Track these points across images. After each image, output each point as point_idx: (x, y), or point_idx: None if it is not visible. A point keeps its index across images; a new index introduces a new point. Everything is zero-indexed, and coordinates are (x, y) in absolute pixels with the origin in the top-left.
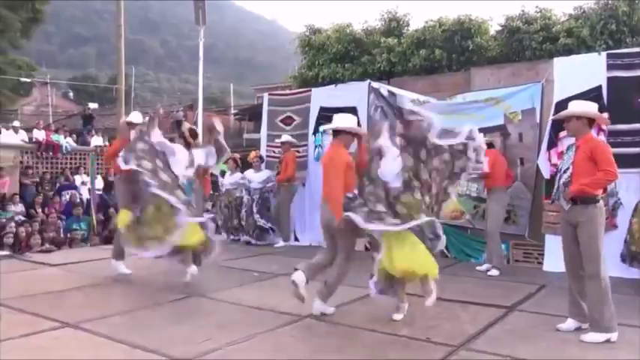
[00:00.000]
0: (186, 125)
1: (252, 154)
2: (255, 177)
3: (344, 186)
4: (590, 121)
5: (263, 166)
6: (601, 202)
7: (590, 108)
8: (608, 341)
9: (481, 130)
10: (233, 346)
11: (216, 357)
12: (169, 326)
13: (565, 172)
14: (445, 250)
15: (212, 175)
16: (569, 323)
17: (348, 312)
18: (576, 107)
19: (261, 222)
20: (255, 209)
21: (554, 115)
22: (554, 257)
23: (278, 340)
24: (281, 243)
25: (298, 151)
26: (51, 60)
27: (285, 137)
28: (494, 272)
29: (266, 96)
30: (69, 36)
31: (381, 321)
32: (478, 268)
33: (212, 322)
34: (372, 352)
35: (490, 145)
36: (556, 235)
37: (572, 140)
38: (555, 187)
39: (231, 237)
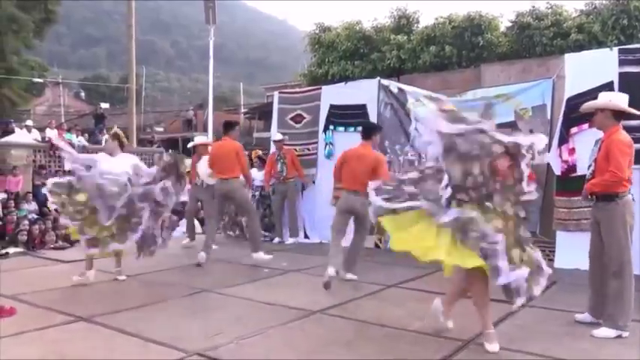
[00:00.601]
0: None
1: (254, 153)
2: (258, 175)
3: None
4: (617, 114)
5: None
6: (626, 198)
7: (615, 99)
8: (619, 337)
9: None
10: (244, 340)
11: (227, 351)
12: (181, 320)
13: (589, 167)
14: None
15: None
16: (586, 316)
17: (358, 307)
18: (599, 99)
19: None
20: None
21: (565, 110)
22: (565, 254)
23: (288, 335)
24: (289, 240)
25: (308, 149)
26: (62, 60)
27: (280, 135)
28: None
29: (276, 94)
30: (80, 37)
31: (391, 316)
32: None
33: (223, 316)
34: (381, 347)
35: None
36: (567, 231)
37: (583, 136)
38: None
39: (237, 233)
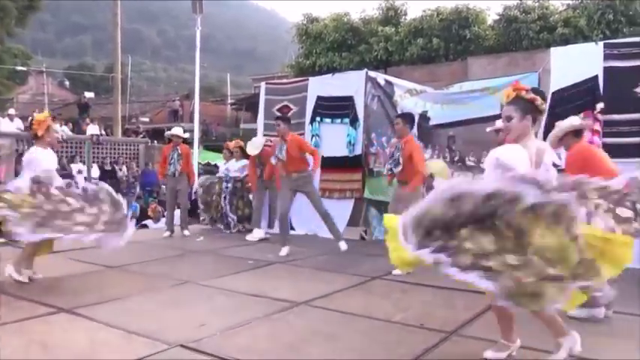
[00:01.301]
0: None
1: (233, 143)
2: (235, 166)
3: None
4: (576, 132)
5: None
6: None
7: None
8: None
9: (477, 120)
10: (228, 332)
11: (211, 342)
12: (165, 312)
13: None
14: None
15: (207, 165)
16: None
17: (343, 298)
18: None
19: (230, 216)
20: (227, 199)
21: (550, 104)
22: None
23: (273, 326)
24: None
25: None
26: (47, 49)
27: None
28: None
29: (263, 85)
30: (65, 24)
31: (376, 307)
32: None
33: (207, 308)
34: (366, 338)
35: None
36: None
37: None
38: None
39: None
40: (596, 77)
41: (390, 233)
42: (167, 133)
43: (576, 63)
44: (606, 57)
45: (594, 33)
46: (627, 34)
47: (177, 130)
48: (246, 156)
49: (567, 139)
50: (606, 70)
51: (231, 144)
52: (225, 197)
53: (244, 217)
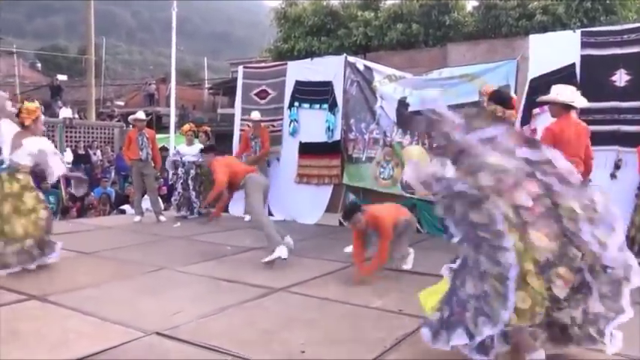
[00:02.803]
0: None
1: (186, 127)
2: (188, 150)
3: None
4: (565, 105)
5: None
6: None
7: (562, 92)
8: None
9: (456, 106)
10: (204, 319)
11: (187, 329)
12: (140, 299)
13: None
14: (418, 225)
15: (163, 148)
16: None
17: (320, 285)
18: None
19: (194, 201)
20: (190, 185)
21: (527, 91)
22: None
23: (250, 313)
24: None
25: (273, 125)
26: (17, 30)
27: (256, 115)
28: None
29: (240, 69)
30: (37, 5)
31: (354, 293)
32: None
33: (183, 295)
34: (343, 324)
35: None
36: None
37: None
38: None
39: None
40: (573, 65)
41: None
42: (130, 118)
43: (554, 50)
44: (583, 45)
45: (572, 21)
46: (604, 23)
47: (139, 115)
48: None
49: (556, 110)
50: (583, 58)
51: (185, 127)
52: (184, 182)
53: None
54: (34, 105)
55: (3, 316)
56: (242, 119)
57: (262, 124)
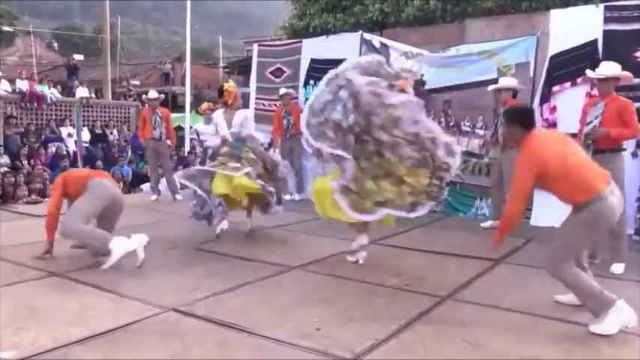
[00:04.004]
0: None
1: (204, 105)
2: (206, 129)
3: None
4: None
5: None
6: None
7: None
8: None
9: (473, 84)
10: (220, 296)
11: (204, 306)
12: (158, 276)
13: (589, 124)
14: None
15: (178, 128)
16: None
17: (336, 263)
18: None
19: None
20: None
21: (548, 68)
22: (541, 212)
23: (266, 290)
24: (296, 196)
25: (294, 103)
26: (34, 9)
27: (284, 90)
28: None
29: (255, 47)
30: None
31: (369, 272)
32: (482, 225)
33: (201, 272)
34: (359, 302)
35: (515, 95)
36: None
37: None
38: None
39: None
40: (595, 41)
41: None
42: (144, 97)
43: (576, 26)
44: (606, 20)
45: None
46: None
47: (151, 94)
48: None
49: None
50: (606, 33)
51: (204, 106)
52: (202, 162)
53: None
54: (232, 85)
55: (24, 293)
56: (257, 98)
57: (292, 100)
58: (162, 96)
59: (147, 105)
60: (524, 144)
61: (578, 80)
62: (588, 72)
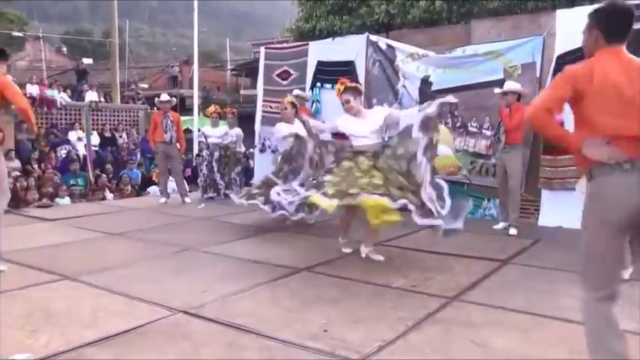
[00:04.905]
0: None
1: (211, 108)
2: (213, 132)
3: None
4: None
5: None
6: None
7: None
8: None
9: (480, 85)
10: (230, 298)
11: (213, 308)
12: (168, 278)
13: None
14: None
15: (187, 130)
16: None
17: (343, 265)
18: None
19: (220, 183)
20: (215, 167)
21: (554, 68)
22: (549, 212)
23: (275, 292)
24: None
25: (305, 107)
26: (42, 13)
27: (296, 91)
28: (514, 231)
29: (262, 50)
30: None
31: (376, 274)
32: (494, 227)
33: (210, 274)
34: (366, 302)
35: (519, 99)
36: (551, 190)
37: None
38: None
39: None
40: None
41: None
42: (157, 100)
43: (582, 26)
44: None
45: None
46: None
47: (163, 96)
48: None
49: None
50: None
51: (210, 109)
52: (209, 164)
53: (230, 182)
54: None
55: (37, 295)
56: (264, 100)
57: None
58: (175, 100)
59: (158, 108)
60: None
61: None
62: None
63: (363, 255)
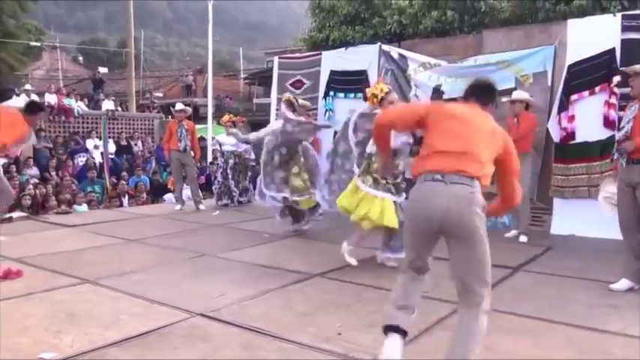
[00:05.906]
0: None
1: (225, 117)
2: (227, 140)
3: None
4: None
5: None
6: None
7: None
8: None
9: None
10: (245, 302)
11: (229, 312)
12: (185, 283)
13: (621, 129)
14: None
15: (201, 138)
16: (622, 283)
17: (356, 271)
18: None
19: (234, 190)
20: (230, 174)
21: (566, 77)
22: (561, 220)
23: (288, 297)
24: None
25: (309, 115)
26: (59, 23)
27: (302, 101)
28: (524, 238)
29: (276, 59)
30: None
31: (388, 280)
32: (506, 235)
33: (225, 279)
34: (378, 307)
35: (527, 107)
36: (563, 198)
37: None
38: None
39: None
40: (613, 50)
41: None
42: (173, 109)
43: (593, 35)
44: (624, 29)
45: (612, 4)
46: None
47: (179, 106)
48: None
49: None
50: (624, 42)
51: (225, 118)
52: (223, 172)
53: (244, 189)
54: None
55: (60, 298)
56: (277, 109)
57: (307, 112)
58: (190, 109)
59: (172, 117)
60: None
61: (597, 89)
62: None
63: (379, 261)
